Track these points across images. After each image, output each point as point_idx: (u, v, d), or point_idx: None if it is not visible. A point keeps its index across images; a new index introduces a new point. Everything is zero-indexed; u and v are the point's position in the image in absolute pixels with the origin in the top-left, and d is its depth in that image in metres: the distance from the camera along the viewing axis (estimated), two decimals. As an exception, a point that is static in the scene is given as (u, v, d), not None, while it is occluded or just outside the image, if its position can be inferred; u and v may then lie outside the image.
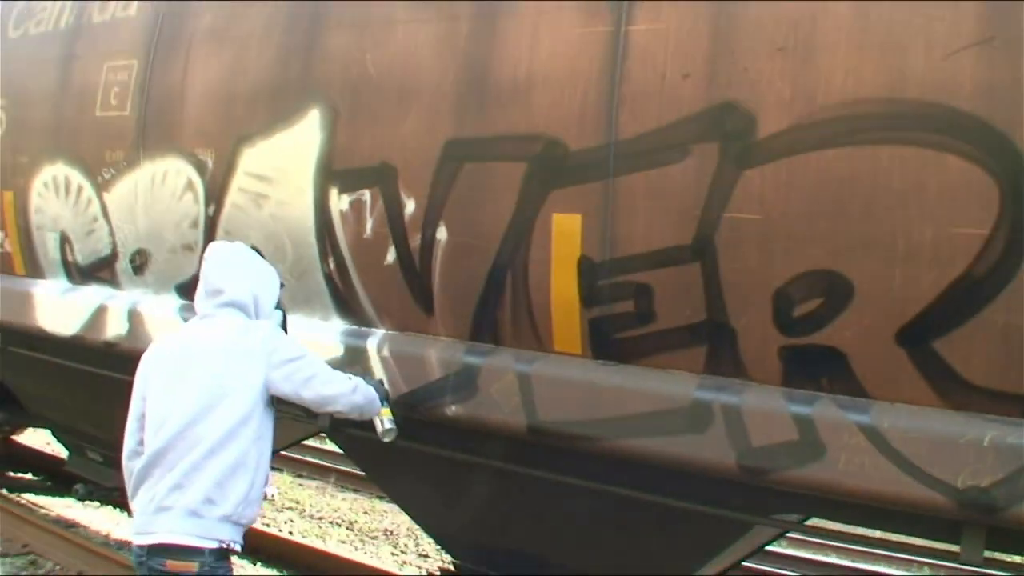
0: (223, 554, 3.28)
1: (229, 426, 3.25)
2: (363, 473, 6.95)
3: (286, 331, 3.85)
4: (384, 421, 3.87)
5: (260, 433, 3.36)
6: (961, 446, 2.98)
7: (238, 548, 3.34)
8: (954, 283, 2.98)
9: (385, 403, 3.90)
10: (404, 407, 4.05)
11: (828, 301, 3.17)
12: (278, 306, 3.76)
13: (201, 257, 4.94)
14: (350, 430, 4.58)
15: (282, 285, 3.78)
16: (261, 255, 3.83)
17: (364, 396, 3.68)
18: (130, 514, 8.11)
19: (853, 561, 9.90)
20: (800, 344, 3.26)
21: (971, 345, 3.00)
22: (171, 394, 3.32)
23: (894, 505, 3.15)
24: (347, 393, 3.59)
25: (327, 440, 12.46)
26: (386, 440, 3.88)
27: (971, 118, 2.93)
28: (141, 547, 3.25)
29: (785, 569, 9.15)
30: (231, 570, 3.33)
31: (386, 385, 4.05)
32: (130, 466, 3.43)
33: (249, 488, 3.29)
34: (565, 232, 3.67)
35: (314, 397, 3.49)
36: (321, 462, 11.96)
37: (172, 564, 3.19)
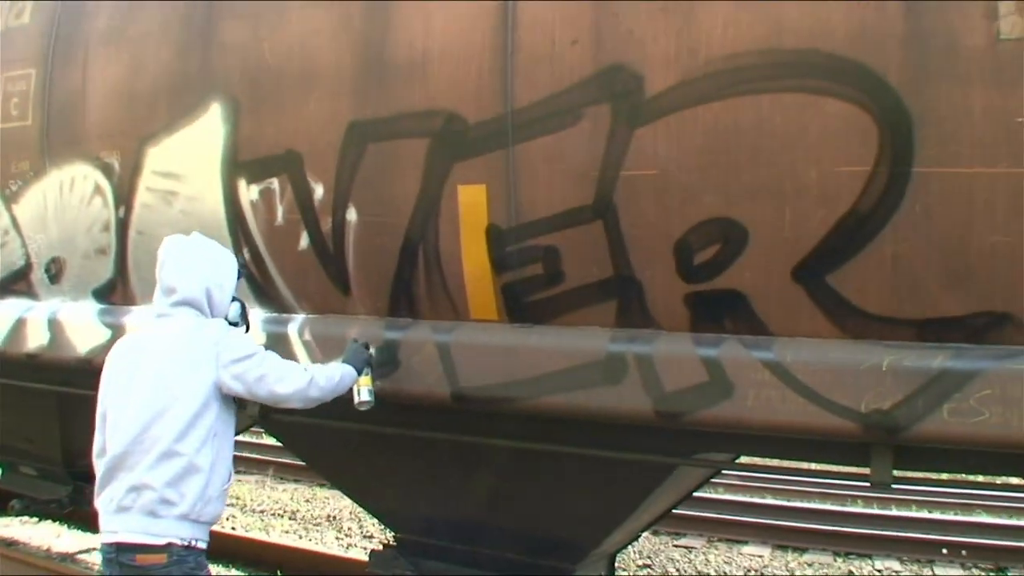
0: (187, 545, 3.29)
1: (180, 427, 3.25)
2: (302, 462, 6.99)
3: (247, 322, 3.82)
4: (361, 392, 3.83)
5: (215, 431, 3.35)
6: (861, 373, 3.14)
7: (202, 546, 3.35)
8: (842, 219, 3.12)
9: (367, 371, 3.86)
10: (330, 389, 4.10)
11: (725, 247, 3.31)
12: (236, 298, 3.70)
13: (115, 259, 4.99)
14: (280, 417, 4.63)
15: (241, 274, 3.72)
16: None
17: (321, 389, 3.61)
18: (71, 526, 8.06)
19: (787, 500, 10.19)
20: (703, 290, 3.39)
21: (863, 276, 3.15)
22: (125, 396, 3.33)
23: (804, 434, 3.31)
24: (302, 389, 3.53)
25: (262, 434, 12.48)
26: (361, 410, 3.87)
27: (846, 61, 3.07)
28: (109, 545, 3.28)
29: (722, 514, 9.37)
30: (202, 557, 3.35)
31: (371, 350, 3.97)
32: (98, 464, 3.43)
33: (204, 487, 3.29)
34: (471, 203, 3.76)
35: (267, 396, 3.49)
36: (258, 456, 11.96)
37: (141, 558, 3.22)
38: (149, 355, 3.37)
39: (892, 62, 3.03)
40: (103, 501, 3.32)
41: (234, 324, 3.66)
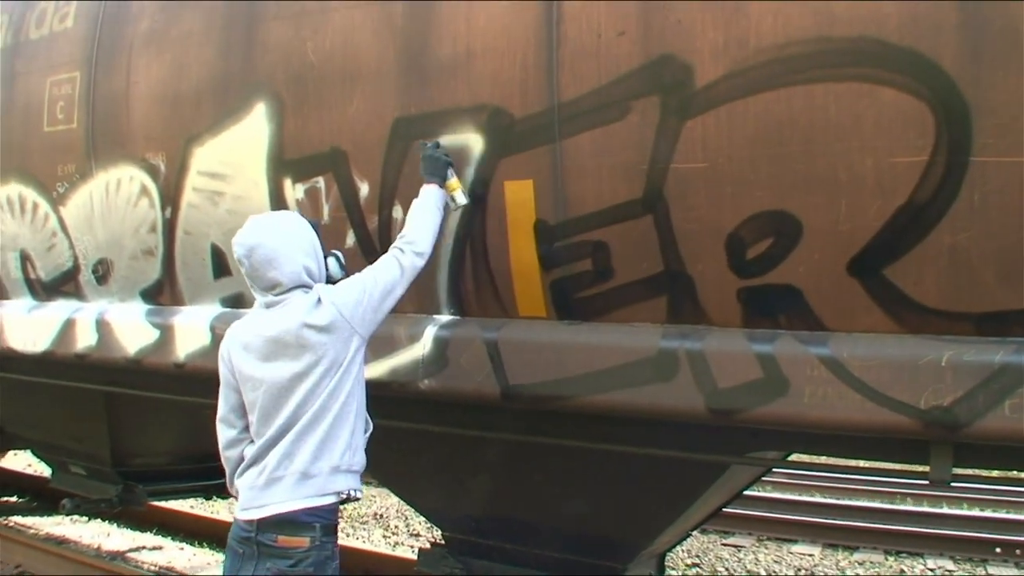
0: (331, 528, 3.33)
1: (331, 387, 3.28)
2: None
3: (345, 269, 3.70)
4: (456, 198, 3.74)
5: (358, 379, 3.41)
6: (920, 368, 3.05)
7: (359, 495, 3.42)
8: (899, 211, 3.04)
9: (451, 174, 3.73)
10: (377, 387, 4.09)
11: (779, 240, 3.24)
12: (328, 252, 3.64)
13: (162, 260, 5.01)
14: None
15: (316, 226, 3.57)
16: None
17: (423, 254, 3.61)
18: (120, 524, 8.13)
19: (837, 498, 10.08)
20: (756, 285, 3.33)
21: (921, 269, 3.07)
22: (274, 387, 3.30)
23: (861, 432, 3.23)
24: (412, 270, 3.57)
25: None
26: (459, 211, 3.84)
27: (899, 49, 2.99)
28: (250, 522, 3.27)
29: (771, 512, 9.29)
30: (337, 547, 3.38)
31: (444, 149, 3.79)
32: (230, 454, 3.46)
33: (351, 435, 3.34)
34: (518, 199, 3.72)
35: (395, 303, 3.53)
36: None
37: (284, 539, 3.23)
38: (278, 341, 3.31)
39: (947, 49, 2.95)
40: (249, 478, 3.32)
41: (340, 279, 3.60)
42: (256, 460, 3.33)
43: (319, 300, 3.34)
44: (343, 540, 8.10)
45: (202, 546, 7.90)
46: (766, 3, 3.18)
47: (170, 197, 4.92)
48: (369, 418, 3.54)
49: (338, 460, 3.30)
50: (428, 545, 5.06)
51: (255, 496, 3.29)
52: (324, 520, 3.30)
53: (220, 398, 3.48)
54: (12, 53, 5.98)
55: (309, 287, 3.41)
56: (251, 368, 3.36)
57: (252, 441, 3.39)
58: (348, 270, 3.65)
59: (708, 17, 3.29)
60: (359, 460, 3.41)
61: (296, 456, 3.26)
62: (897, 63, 3.00)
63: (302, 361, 3.28)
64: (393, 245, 3.63)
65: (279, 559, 3.23)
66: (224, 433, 3.48)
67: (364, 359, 3.50)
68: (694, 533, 7.57)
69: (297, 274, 3.38)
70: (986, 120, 2.91)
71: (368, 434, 3.52)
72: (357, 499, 3.43)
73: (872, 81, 3.04)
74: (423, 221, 3.67)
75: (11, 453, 10.52)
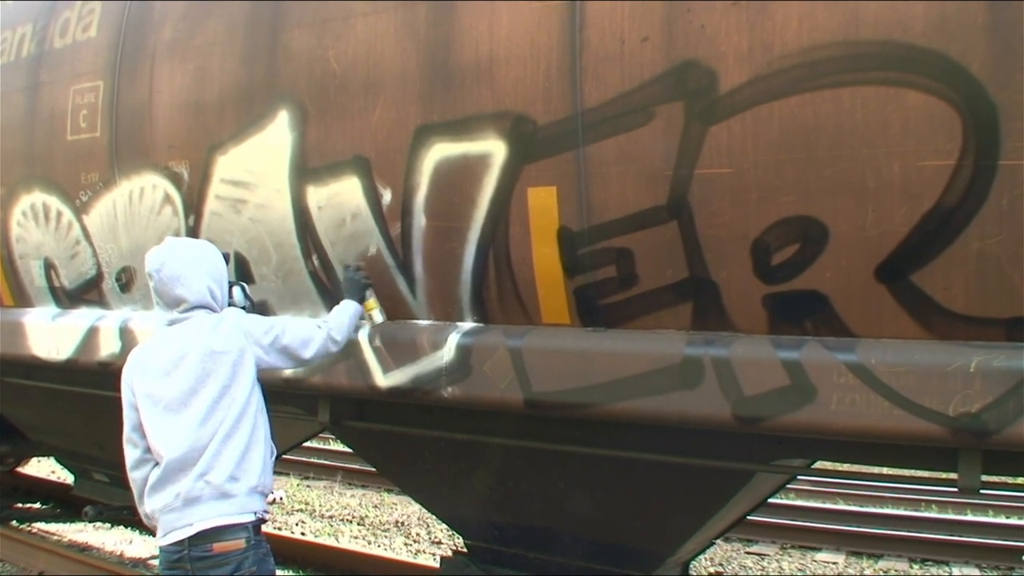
0: (259, 527, 3.39)
1: (238, 410, 3.36)
2: (372, 469, 6.99)
3: (250, 299, 3.94)
4: (374, 317, 4.16)
5: (260, 406, 3.50)
6: (949, 375, 3.02)
7: (267, 517, 3.48)
8: (926, 216, 3.02)
9: (370, 292, 4.14)
10: (400, 394, 4.08)
11: (805, 246, 3.22)
12: (234, 282, 3.85)
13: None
14: (352, 424, 4.62)
15: (227, 259, 3.78)
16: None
17: (337, 343, 3.85)
18: (142, 532, 8.14)
19: (861, 506, 10.01)
20: (782, 291, 3.30)
21: (949, 275, 3.04)
22: (173, 403, 3.35)
23: (889, 439, 3.20)
24: (322, 347, 3.77)
25: (330, 440, 12.56)
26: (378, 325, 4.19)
27: (927, 52, 2.97)
28: (179, 542, 3.29)
29: (794, 520, 9.23)
30: (268, 543, 3.44)
31: (363, 272, 4.18)
32: (136, 475, 3.46)
33: (264, 458, 3.44)
34: (542, 205, 3.71)
35: (296, 363, 3.70)
36: (326, 462, 12.05)
37: (219, 546, 3.27)
38: (187, 358, 3.38)
39: (975, 51, 2.92)
40: (163, 500, 3.34)
41: (244, 307, 3.78)
42: (166, 480, 3.34)
43: (224, 320, 3.48)
44: (364, 547, 8.12)
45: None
46: (791, 7, 3.16)
47: (193, 205, 4.93)
48: (274, 445, 3.61)
49: (256, 481, 3.38)
50: (450, 553, 5.05)
51: (176, 518, 3.31)
52: (251, 519, 3.36)
53: (124, 419, 3.51)
54: (36, 62, 6.01)
55: (213, 310, 3.54)
56: (151, 385, 3.41)
57: (157, 463, 3.40)
58: (254, 301, 3.98)
59: (732, 21, 3.27)
60: (269, 483, 3.49)
61: (212, 476, 3.29)
62: (924, 66, 2.98)
63: (202, 375, 3.35)
64: (317, 321, 3.89)
65: (219, 567, 3.26)
66: (130, 453, 3.49)
67: (263, 392, 3.58)
68: (717, 541, 7.52)
69: (202, 294, 3.51)
70: (1015, 123, 2.88)
71: (274, 459, 3.59)
72: (265, 521, 3.48)
73: (899, 85, 3.02)
74: (345, 320, 3.95)
75: (35, 460, 10.57)
